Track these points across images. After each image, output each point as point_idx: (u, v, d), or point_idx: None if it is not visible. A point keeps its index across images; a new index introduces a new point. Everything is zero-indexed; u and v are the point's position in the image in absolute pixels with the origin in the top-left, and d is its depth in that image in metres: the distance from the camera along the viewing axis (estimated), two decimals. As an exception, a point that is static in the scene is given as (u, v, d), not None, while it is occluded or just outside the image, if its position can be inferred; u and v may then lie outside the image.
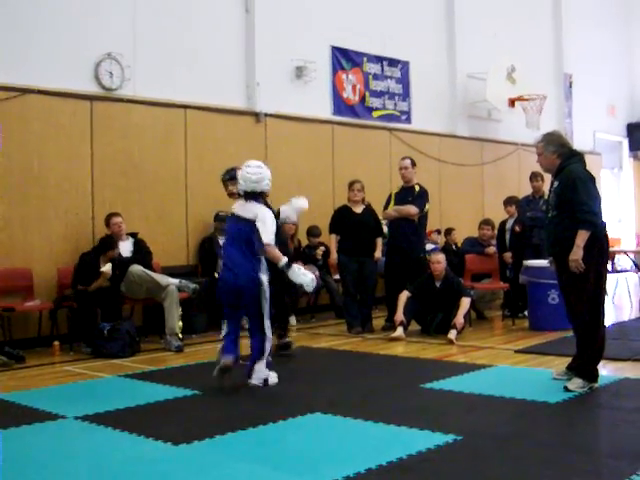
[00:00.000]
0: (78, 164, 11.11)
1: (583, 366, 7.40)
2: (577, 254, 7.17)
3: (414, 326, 11.18)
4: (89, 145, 11.22)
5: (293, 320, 12.10)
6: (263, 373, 7.71)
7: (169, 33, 12.16)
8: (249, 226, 7.59)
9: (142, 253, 10.89)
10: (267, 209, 7.72)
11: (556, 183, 7.48)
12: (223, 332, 8.08)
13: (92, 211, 11.20)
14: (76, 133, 11.11)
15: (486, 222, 13.32)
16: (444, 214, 15.77)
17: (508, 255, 12.30)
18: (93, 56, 11.28)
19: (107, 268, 10.32)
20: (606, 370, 8.45)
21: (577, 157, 7.56)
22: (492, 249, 12.88)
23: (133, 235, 10.99)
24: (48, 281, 10.70)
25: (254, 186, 7.67)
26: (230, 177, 9.25)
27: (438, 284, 10.94)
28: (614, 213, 23.18)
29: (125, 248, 10.83)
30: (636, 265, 16.61)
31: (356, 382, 8.08)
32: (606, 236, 7.47)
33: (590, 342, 7.40)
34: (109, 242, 10.55)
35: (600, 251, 7.34)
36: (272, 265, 7.80)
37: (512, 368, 8.48)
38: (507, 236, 12.58)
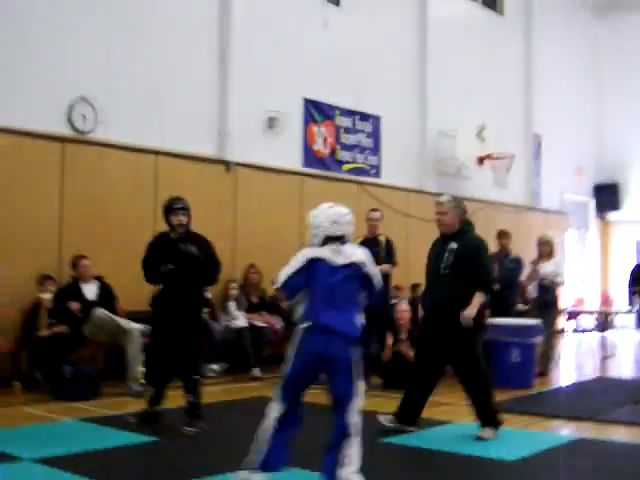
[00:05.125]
0: (47, 205, 11.11)
1: (492, 416, 7.91)
2: (472, 312, 7.72)
3: (375, 380, 11.16)
4: (59, 186, 11.23)
5: (257, 371, 11.95)
6: None
7: (143, 79, 12.24)
8: (356, 272, 6.09)
9: (107, 297, 10.88)
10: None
11: (454, 245, 7.96)
12: (273, 415, 6.04)
13: (59, 252, 11.18)
14: (46, 174, 11.13)
15: None
16: (411, 269, 15.75)
17: None
18: (66, 98, 11.33)
19: (47, 296, 10.32)
20: (566, 429, 8.55)
21: (471, 225, 8.28)
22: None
23: (98, 278, 10.96)
24: (11, 321, 10.61)
25: (347, 229, 6.26)
26: (185, 206, 8.38)
27: (402, 337, 10.94)
28: (578, 273, 23.37)
29: (90, 291, 10.80)
30: (599, 325, 16.74)
31: (314, 434, 8.03)
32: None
33: (487, 392, 7.98)
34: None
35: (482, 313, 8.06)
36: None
37: (471, 425, 8.49)
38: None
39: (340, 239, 6.15)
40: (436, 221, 8.19)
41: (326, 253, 6.06)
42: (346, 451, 5.76)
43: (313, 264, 6.06)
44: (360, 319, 6.03)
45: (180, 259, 8.28)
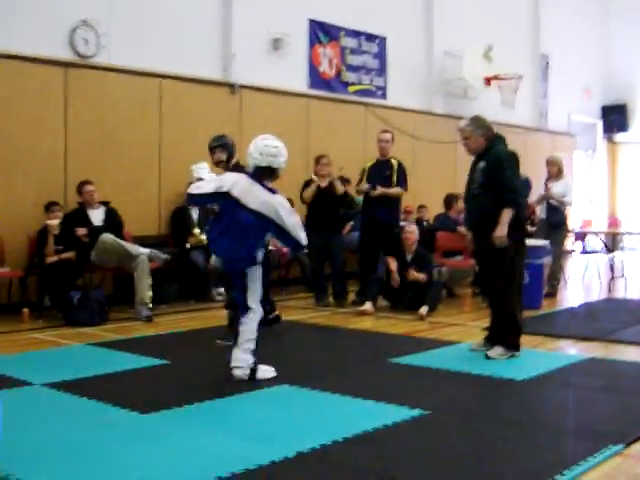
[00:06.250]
0: (51, 131, 11.02)
1: (503, 336, 7.89)
2: (502, 231, 7.60)
3: (382, 302, 11.19)
4: (62, 112, 11.13)
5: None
6: (246, 362, 6.83)
7: (146, 1, 12.06)
8: (259, 222, 6.72)
9: (114, 222, 10.82)
10: (281, 197, 6.87)
11: (482, 163, 7.87)
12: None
13: (64, 178, 11.13)
14: (49, 99, 11.02)
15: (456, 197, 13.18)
16: (417, 191, 15.73)
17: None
18: (68, 23, 11.16)
19: (54, 222, 10.31)
20: (574, 349, 8.57)
21: (501, 139, 8.04)
22: (463, 229, 12.87)
23: (105, 204, 10.91)
24: (18, 248, 10.61)
25: (271, 160, 6.84)
26: (218, 144, 8.86)
27: (409, 257, 10.93)
28: (586, 194, 23.30)
29: (97, 217, 10.75)
30: (606, 246, 16.71)
31: (324, 355, 8.11)
32: (522, 216, 8.11)
33: (509, 314, 7.86)
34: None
35: (520, 228, 7.90)
36: None
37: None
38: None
39: (269, 170, 6.89)
40: (464, 147, 8.12)
41: (239, 189, 6.82)
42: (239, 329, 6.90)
43: (226, 195, 6.85)
44: (258, 252, 6.84)
45: None
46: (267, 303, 9.19)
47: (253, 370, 6.79)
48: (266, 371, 6.91)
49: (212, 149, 8.89)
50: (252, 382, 6.66)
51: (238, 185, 6.86)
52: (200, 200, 7.43)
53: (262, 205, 6.72)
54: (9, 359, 7.81)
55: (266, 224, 6.76)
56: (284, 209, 6.77)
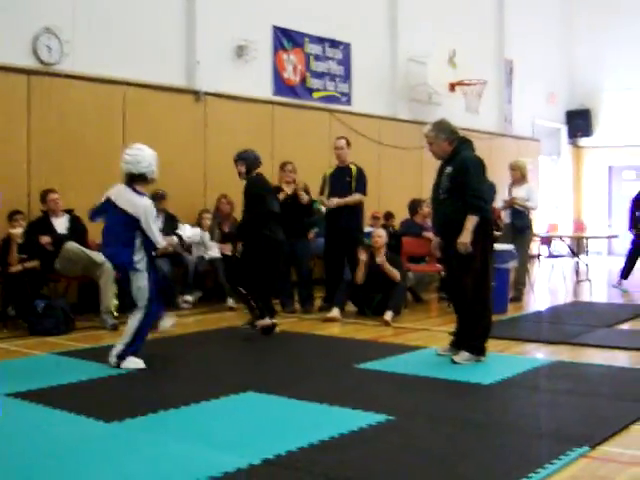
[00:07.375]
0: (14, 139, 10.91)
1: (470, 341, 7.87)
2: (467, 237, 7.58)
3: (351, 307, 11.20)
4: (26, 120, 11.04)
5: (231, 302, 11.85)
6: (117, 351, 7.61)
7: (109, 8, 11.97)
8: (129, 220, 7.50)
9: (78, 230, 10.76)
10: (144, 201, 7.60)
11: (449, 168, 7.85)
12: None
13: (28, 187, 11.04)
14: (12, 108, 10.91)
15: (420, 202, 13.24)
16: (383, 197, 15.79)
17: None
18: (31, 30, 11.07)
19: (17, 231, 10.20)
20: (541, 353, 8.63)
21: (467, 143, 8.04)
22: (430, 234, 12.89)
23: (69, 212, 10.85)
24: (-19, 257, 10.52)
25: (129, 167, 7.58)
26: (239, 157, 9.66)
27: (378, 259, 10.90)
28: (551, 199, 23.42)
29: (61, 225, 10.69)
30: (572, 250, 16.81)
31: (290, 362, 8.10)
32: (490, 219, 8.02)
33: (477, 319, 7.84)
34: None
35: (486, 233, 7.81)
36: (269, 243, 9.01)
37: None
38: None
39: (133, 176, 7.59)
40: (431, 153, 8.15)
41: (115, 193, 7.65)
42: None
43: (108, 200, 7.69)
44: (132, 252, 7.49)
45: None
46: (266, 308, 9.60)
47: (120, 358, 7.55)
48: (135, 363, 7.57)
49: (235, 162, 9.74)
50: (218, 389, 6.62)
51: (115, 190, 7.71)
52: (95, 213, 7.99)
53: (128, 204, 7.50)
54: (-28, 369, 7.75)
55: (133, 223, 7.48)
56: (147, 212, 7.51)
